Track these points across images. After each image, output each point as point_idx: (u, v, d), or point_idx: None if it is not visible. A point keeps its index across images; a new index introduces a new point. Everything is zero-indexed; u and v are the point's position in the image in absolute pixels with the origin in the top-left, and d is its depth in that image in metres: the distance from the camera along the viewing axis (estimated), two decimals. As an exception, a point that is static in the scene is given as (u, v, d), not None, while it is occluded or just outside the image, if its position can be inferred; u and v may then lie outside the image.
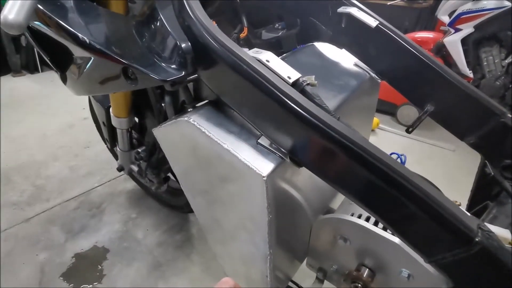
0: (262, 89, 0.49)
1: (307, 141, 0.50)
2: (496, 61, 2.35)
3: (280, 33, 0.97)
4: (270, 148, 0.55)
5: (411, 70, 0.74)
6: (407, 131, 0.77)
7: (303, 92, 0.51)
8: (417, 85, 0.74)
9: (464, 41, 2.38)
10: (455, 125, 0.72)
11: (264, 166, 0.53)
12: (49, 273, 1.32)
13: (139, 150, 1.26)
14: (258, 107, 0.53)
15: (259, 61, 0.52)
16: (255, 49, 0.55)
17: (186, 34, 0.57)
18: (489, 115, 0.67)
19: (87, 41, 0.59)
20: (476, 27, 2.30)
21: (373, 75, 0.82)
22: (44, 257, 1.39)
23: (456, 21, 2.37)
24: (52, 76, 3.33)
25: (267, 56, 0.54)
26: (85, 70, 0.67)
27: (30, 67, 3.37)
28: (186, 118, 0.58)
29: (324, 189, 0.88)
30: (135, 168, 1.33)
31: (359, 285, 0.73)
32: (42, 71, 3.40)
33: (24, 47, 3.32)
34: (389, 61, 0.78)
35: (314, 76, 0.55)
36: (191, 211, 1.55)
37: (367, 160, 0.45)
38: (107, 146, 1.41)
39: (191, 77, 0.61)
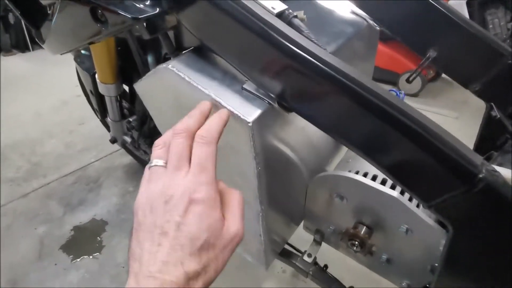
0: (243, 21, 0.43)
1: (295, 80, 0.45)
2: (501, 23, 2.24)
3: None
4: (256, 93, 0.51)
5: (412, 13, 0.68)
6: (407, 80, 0.72)
7: (290, 24, 0.46)
8: (418, 29, 0.68)
9: (469, 3, 2.26)
10: (459, 70, 0.67)
11: (249, 111, 0.49)
12: (48, 246, 1.33)
13: (130, 119, 1.22)
14: (240, 46, 0.48)
15: (240, -8, 0.46)
16: (236, -19, 0.50)
17: (160, -32, 0.51)
18: (496, 56, 0.61)
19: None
20: (481, -13, 2.18)
21: (371, 22, 0.76)
22: (43, 231, 1.39)
23: (461, -18, 2.24)
24: (44, 54, 3.25)
25: (249, -12, 0.48)
26: (54, 20, 0.62)
27: (21, 46, 3.29)
28: (164, 65, 0.54)
29: (320, 151, 0.84)
30: (128, 139, 1.29)
31: (356, 242, 0.71)
32: (33, 49, 3.32)
33: (13, 25, 3.22)
34: (388, 5, 0.71)
35: (303, 11, 0.49)
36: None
37: (363, 96, 0.41)
38: (98, 117, 1.37)
39: (171, 24, 0.56)
